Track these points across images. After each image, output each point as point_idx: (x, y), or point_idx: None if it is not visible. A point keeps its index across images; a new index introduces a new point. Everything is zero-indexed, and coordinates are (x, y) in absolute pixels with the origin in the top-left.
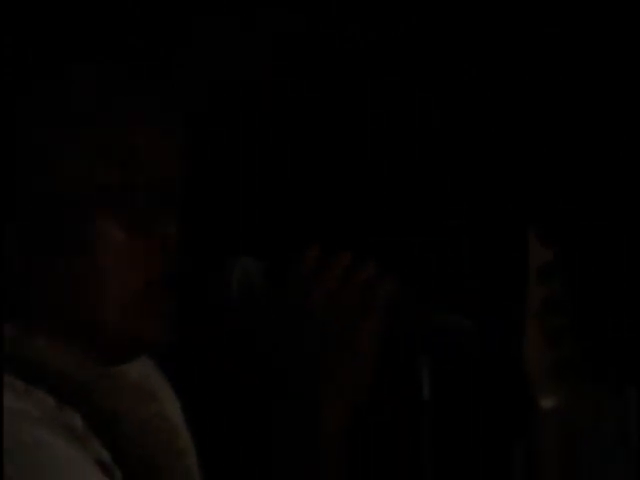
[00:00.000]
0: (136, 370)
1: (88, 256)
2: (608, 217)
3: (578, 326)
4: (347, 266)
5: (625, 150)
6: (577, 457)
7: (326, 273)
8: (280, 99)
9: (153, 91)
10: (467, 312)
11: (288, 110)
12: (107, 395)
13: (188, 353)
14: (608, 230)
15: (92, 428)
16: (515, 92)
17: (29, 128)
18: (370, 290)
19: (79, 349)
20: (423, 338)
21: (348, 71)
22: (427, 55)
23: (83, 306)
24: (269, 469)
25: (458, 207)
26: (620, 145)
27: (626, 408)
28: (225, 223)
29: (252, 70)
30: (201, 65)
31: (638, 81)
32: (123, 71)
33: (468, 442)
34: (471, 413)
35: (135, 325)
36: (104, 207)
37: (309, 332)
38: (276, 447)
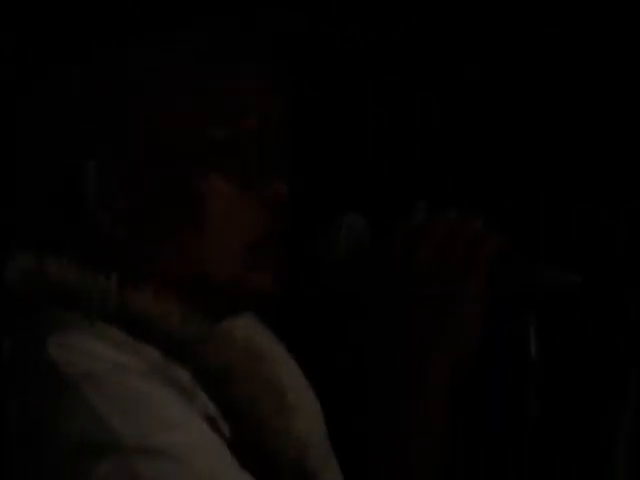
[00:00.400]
0: (242, 329)
1: (201, 210)
2: None
3: None
4: (454, 221)
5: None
6: None
7: (433, 228)
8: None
9: (259, 46)
10: (577, 268)
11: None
12: (215, 353)
13: (294, 307)
14: None
15: (200, 383)
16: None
17: (141, 77)
18: (477, 245)
19: (187, 304)
20: (531, 294)
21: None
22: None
23: (196, 259)
24: (366, 421)
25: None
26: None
27: None
28: (332, 179)
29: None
30: None
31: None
32: (231, 25)
33: (574, 401)
34: (578, 372)
35: (247, 278)
36: (215, 161)
37: (416, 286)
38: (375, 399)
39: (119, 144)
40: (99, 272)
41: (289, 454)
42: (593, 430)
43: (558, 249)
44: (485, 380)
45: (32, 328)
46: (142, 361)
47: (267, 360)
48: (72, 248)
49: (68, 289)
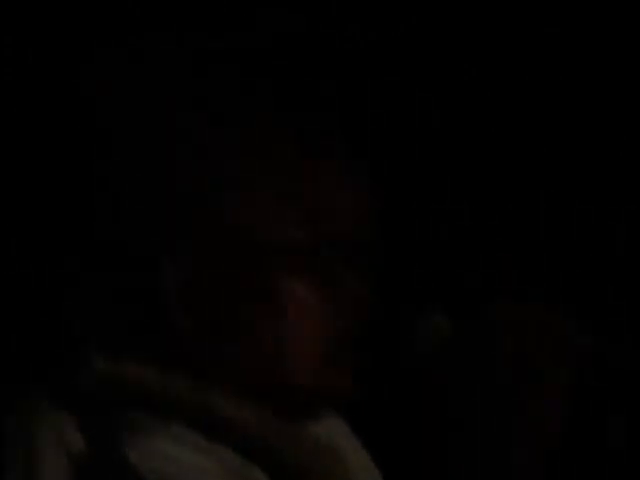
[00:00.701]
0: (322, 427)
1: (281, 319)
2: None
3: None
4: (539, 319)
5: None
6: None
7: (517, 326)
8: None
9: (340, 139)
10: None
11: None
12: (293, 454)
13: (380, 407)
14: None
15: None
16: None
17: (222, 172)
18: (562, 344)
19: (265, 404)
20: (614, 394)
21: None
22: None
23: (276, 369)
24: None
25: None
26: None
27: None
28: (414, 276)
29: None
30: None
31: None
32: (311, 120)
33: None
34: None
35: (327, 384)
36: (295, 260)
37: (499, 384)
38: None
39: (198, 239)
40: (176, 374)
41: None
42: None
43: None
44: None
45: (111, 430)
46: (220, 464)
47: (345, 462)
48: (149, 349)
49: (146, 391)
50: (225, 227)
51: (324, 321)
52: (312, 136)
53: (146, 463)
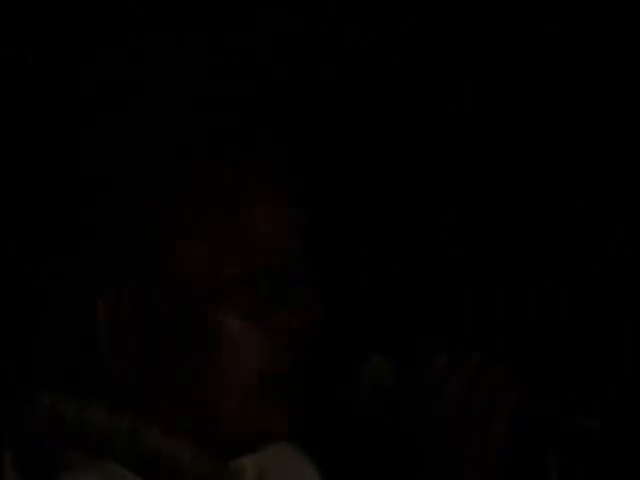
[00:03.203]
0: (258, 464)
1: (214, 352)
2: None
3: None
4: (475, 370)
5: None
6: None
7: (453, 379)
8: None
9: (264, 170)
10: (596, 410)
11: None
12: None
13: (319, 445)
14: None
15: None
16: None
17: (156, 213)
18: (497, 396)
19: (199, 442)
20: (551, 442)
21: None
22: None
23: (205, 402)
24: None
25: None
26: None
27: None
28: (352, 318)
29: None
30: None
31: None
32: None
33: None
34: None
35: (257, 420)
36: (227, 300)
37: (437, 432)
38: None
39: (132, 284)
40: (112, 412)
41: None
42: None
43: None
44: None
45: (45, 467)
46: None
47: None
48: (89, 391)
49: (84, 430)
50: (160, 270)
51: (256, 355)
52: (249, 171)
53: None
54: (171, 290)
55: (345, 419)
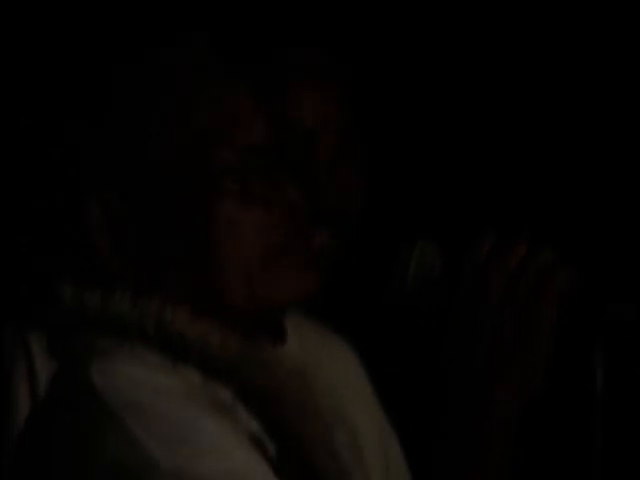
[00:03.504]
0: (292, 348)
1: (208, 231)
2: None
3: None
4: (524, 253)
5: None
6: None
7: (503, 260)
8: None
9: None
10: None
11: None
12: (256, 372)
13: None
14: None
15: (242, 402)
16: None
17: (141, 101)
18: (546, 279)
19: (226, 324)
20: (598, 330)
21: None
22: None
23: (209, 281)
24: (433, 450)
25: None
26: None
27: None
28: (402, 204)
29: None
30: None
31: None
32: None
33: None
34: None
35: (261, 289)
36: (215, 188)
37: (485, 319)
38: (443, 429)
39: (123, 174)
40: (137, 299)
41: (335, 471)
42: None
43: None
44: (552, 413)
45: (73, 354)
46: (183, 383)
47: (311, 384)
48: (99, 279)
49: (106, 314)
50: (148, 158)
51: (247, 234)
52: None
53: (108, 384)
54: (161, 177)
55: (390, 304)
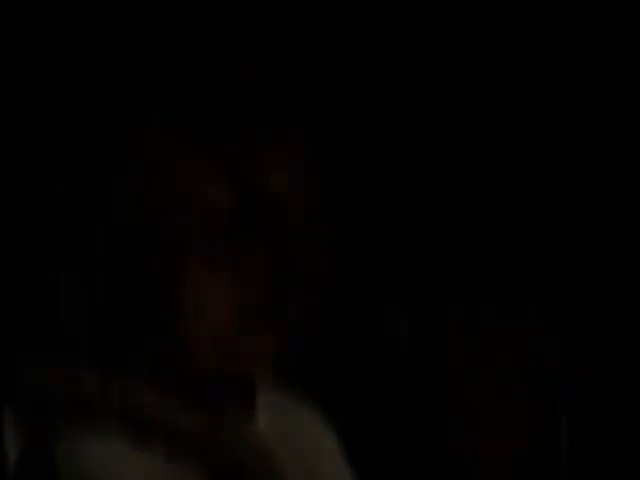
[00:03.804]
0: (262, 427)
1: (168, 303)
2: None
3: None
4: (491, 323)
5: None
6: None
7: (467, 332)
8: None
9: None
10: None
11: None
12: (224, 453)
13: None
14: None
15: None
16: None
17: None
18: (511, 345)
19: (185, 394)
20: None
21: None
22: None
23: (175, 346)
24: None
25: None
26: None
27: None
28: (368, 267)
29: None
30: None
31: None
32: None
33: None
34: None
35: (228, 353)
36: (181, 253)
37: (451, 390)
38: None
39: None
40: (102, 374)
41: None
42: None
43: None
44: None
45: (44, 429)
46: (147, 466)
47: (282, 459)
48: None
49: (69, 394)
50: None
51: (213, 298)
52: None
53: (73, 461)
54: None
55: (357, 367)
